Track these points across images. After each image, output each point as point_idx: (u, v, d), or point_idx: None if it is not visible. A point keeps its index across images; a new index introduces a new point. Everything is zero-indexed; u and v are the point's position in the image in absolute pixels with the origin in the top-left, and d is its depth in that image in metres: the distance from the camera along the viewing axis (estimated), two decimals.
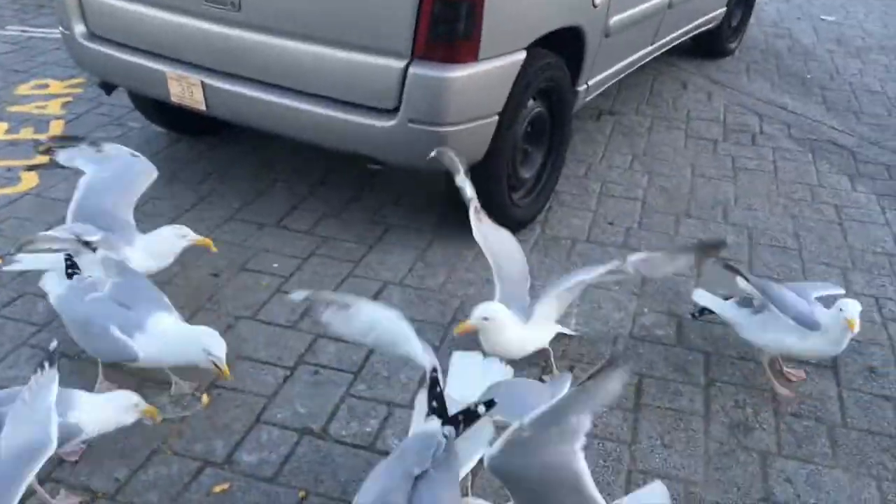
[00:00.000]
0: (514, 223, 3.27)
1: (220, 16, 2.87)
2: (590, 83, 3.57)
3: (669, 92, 5.03)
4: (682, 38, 4.74)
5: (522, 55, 2.81)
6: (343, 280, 2.97)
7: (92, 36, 3.29)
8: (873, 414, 2.48)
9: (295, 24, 2.75)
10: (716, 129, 4.52)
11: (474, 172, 2.92)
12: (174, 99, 3.14)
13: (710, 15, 4.97)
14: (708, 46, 5.49)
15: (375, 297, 2.88)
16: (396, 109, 2.67)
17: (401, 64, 2.60)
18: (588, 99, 3.70)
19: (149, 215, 3.28)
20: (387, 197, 3.57)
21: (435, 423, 1.69)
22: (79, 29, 3.29)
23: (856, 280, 3.16)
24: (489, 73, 2.68)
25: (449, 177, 3.03)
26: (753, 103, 4.92)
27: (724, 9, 5.17)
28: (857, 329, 2.29)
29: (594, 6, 3.19)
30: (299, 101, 2.84)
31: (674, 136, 4.40)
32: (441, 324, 2.77)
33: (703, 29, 4.99)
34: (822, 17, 6.95)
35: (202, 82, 2.99)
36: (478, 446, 1.77)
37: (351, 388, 2.45)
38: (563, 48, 3.14)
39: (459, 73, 2.59)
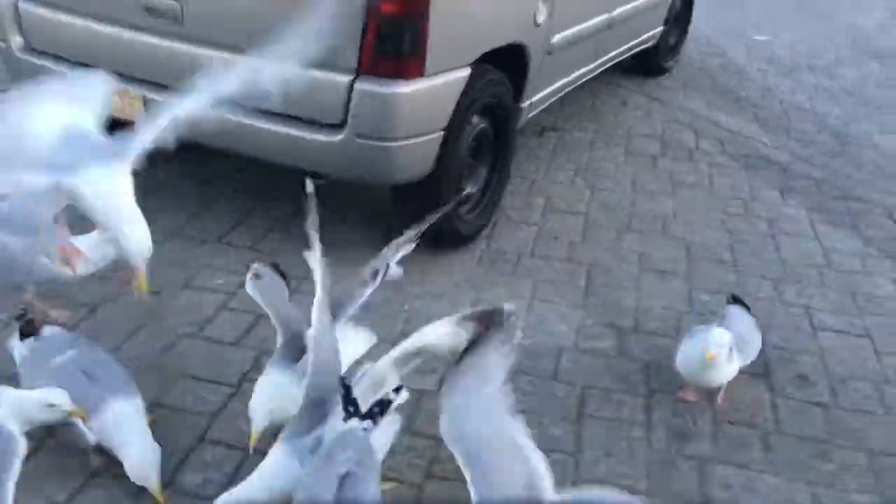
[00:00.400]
0: (460, 237, 3.33)
1: (162, 29, 2.85)
2: (533, 100, 3.65)
3: (610, 108, 5.16)
4: (622, 56, 4.87)
5: (467, 71, 2.86)
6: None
7: (30, 49, 3.22)
8: (805, 420, 2.58)
9: (239, 37, 2.74)
10: (654, 145, 4.66)
11: (421, 187, 2.96)
12: (115, 114, 3.08)
13: (649, 34, 5.13)
14: (646, 64, 5.65)
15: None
16: (343, 124, 2.68)
17: (347, 79, 2.62)
18: (531, 115, 3.78)
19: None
20: (331, 211, 3.56)
21: (353, 422, 1.81)
22: (16, 41, 3.22)
23: (787, 291, 3.29)
24: (435, 88, 2.72)
25: (395, 191, 3.07)
26: (690, 120, 5.08)
27: (662, 28, 5.34)
28: (715, 360, 2.39)
29: (537, 25, 3.27)
30: (245, 117, 2.82)
31: (614, 152, 4.52)
32: (388, 340, 2.78)
33: (642, 47, 5.14)
34: (755, 37, 7.22)
35: (143, 97, 2.95)
36: (389, 433, 1.93)
37: None
38: (506, 65, 3.21)
39: (406, 88, 2.62)
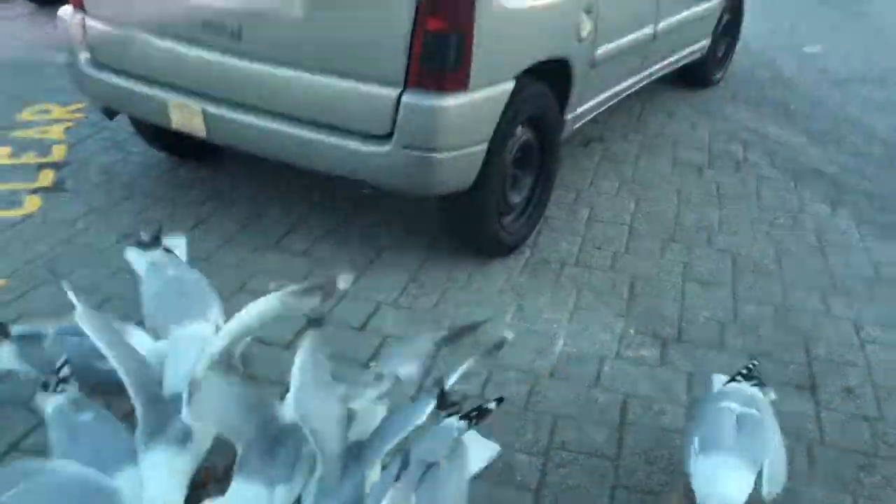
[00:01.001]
0: (503, 247, 3.38)
1: (221, 45, 2.98)
2: (577, 112, 3.69)
3: (657, 120, 5.16)
4: (668, 69, 4.88)
5: (511, 84, 2.93)
6: (338, 301, 3.04)
7: (96, 64, 3.39)
8: (850, 433, 2.56)
9: (293, 53, 2.86)
10: (701, 156, 4.65)
11: (465, 197, 3.03)
12: (175, 126, 3.24)
13: (695, 46, 5.12)
14: (694, 76, 5.64)
15: (369, 318, 2.96)
16: (390, 136, 2.77)
17: (394, 92, 2.71)
18: (576, 127, 3.82)
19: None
20: (380, 219, 3.66)
21: (450, 420, 1.84)
22: (84, 56, 3.40)
23: (835, 303, 3.26)
24: (479, 101, 2.79)
25: (440, 201, 3.15)
26: (738, 132, 5.06)
27: (709, 40, 5.33)
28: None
29: (580, 39, 3.32)
30: (297, 128, 2.94)
31: (660, 163, 4.52)
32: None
33: (688, 60, 5.14)
34: (806, 48, 7.13)
35: (203, 110, 3.09)
36: (485, 456, 1.93)
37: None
38: (550, 78, 3.27)
39: (450, 101, 2.70)
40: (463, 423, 1.84)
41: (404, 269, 3.30)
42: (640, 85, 4.53)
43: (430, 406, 1.88)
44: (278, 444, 1.87)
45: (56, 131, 4.39)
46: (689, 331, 3.02)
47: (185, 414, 1.78)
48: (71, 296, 2.08)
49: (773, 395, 2.18)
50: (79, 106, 4.67)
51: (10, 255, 3.18)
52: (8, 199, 3.63)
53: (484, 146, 2.93)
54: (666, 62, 4.72)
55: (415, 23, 2.61)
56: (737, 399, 2.01)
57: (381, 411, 2.09)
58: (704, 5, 4.94)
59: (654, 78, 4.69)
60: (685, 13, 4.64)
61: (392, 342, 2.82)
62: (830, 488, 2.33)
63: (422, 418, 1.84)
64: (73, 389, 2.00)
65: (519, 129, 3.19)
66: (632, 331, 3.00)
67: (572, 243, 3.59)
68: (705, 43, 5.28)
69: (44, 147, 4.18)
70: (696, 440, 1.88)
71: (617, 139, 4.79)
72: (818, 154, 4.81)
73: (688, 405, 2.62)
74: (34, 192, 3.71)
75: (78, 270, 3.12)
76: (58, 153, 4.13)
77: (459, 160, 2.85)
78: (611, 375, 2.75)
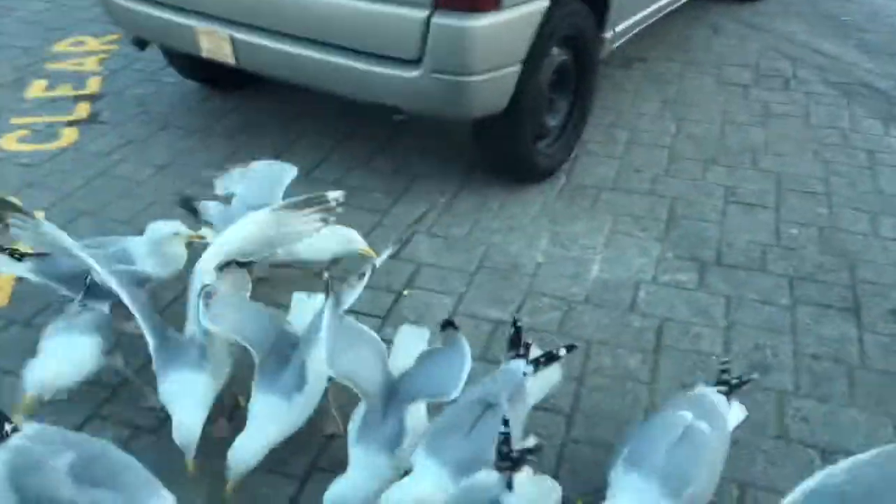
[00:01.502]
0: (539, 172, 3.32)
1: None
2: (616, 30, 3.55)
3: (701, 37, 4.95)
4: None
5: (546, 2, 2.81)
6: (372, 229, 3.04)
7: None
8: (892, 356, 2.50)
9: None
10: (747, 74, 4.45)
11: (499, 121, 2.96)
12: (204, 53, 3.21)
13: None
14: None
15: (403, 246, 2.95)
16: (420, 59, 2.70)
17: (423, 14, 2.62)
18: (615, 46, 3.67)
19: (183, 168, 3.40)
20: (413, 147, 3.62)
21: (516, 362, 1.91)
22: None
23: (883, 224, 3.15)
24: (512, 21, 2.69)
25: (475, 126, 3.08)
26: (787, 47, 4.82)
27: None
28: None
29: None
30: (325, 54, 2.88)
31: (704, 82, 4.35)
32: (467, 271, 2.84)
33: None
34: None
35: (231, 36, 3.04)
36: (549, 382, 1.99)
37: (380, 333, 2.53)
38: None
39: (482, 21, 2.61)
40: (530, 367, 1.90)
41: (437, 198, 3.27)
42: (684, 0, 4.33)
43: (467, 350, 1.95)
44: (292, 353, 1.93)
45: (91, 63, 4.40)
46: (729, 254, 2.95)
47: (203, 320, 1.83)
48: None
49: (741, 415, 1.98)
50: (113, 37, 4.66)
51: (48, 188, 3.24)
52: (45, 131, 3.67)
53: (517, 67, 2.84)
54: None
55: None
56: (694, 408, 1.82)
57: (420, 336, 2.12)
58: None
59: None
60: None
61: (425, 269, 2.82)
62: (871, 412, 2.29)
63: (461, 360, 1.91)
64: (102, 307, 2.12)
65: (555, 50, 3.09)
66: (670, 255, 2.94)
67: (610, 167, 3.51)
68: None
69: (79, 79, 4.20)
70: (626, 450, 1.72)
71: (660, 58, 4.61)
72: (872, 68, 4.57)
73: (725, 328, 2.58)
74: (70, 124, 3.74)
75: (115, 202, 3.16)
76: (93, 85, 4.14)
77: (492, 83, 2.77)
78: (647, 300, 2.71)
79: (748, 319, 2.63)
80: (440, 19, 2.61)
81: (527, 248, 2.98)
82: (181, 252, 2.40)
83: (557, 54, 3.12)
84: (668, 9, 4.15)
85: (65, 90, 4.08)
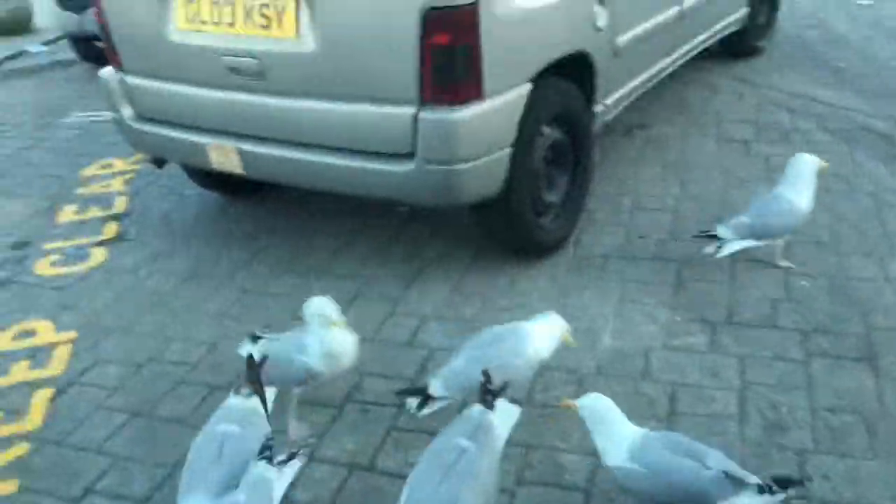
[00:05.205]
0: (544, 246, 3.39)
1: (246, 86, 3.10)
2: (607, 102, 3.66)
3: (699, 97, 5.05)
4: (704, 45, 4.77)
5: (528, 87, 2.94)
6: (386, 318, 3.12)
7: (139, 117, 3.58)
8: None
9: (312, 85, 2.95)
10: (747, 130, 4.53)
11: (498, 202, 3.06)
12: (215, 166, 3.40)
13: (731, 18, 4.99)
14: (736, 46, 5.49)
15: (415, 333, 3.02)
16: (412, 154, 2.83)
17: (411, 111, 2.77)
18: (609, 117, 3.78)
19: (208, 276, 3.54)
20: (423, 233, 3.73)
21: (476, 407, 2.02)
22: (127, 112, 3.60)
23: (893, 267, 3.13)
24: (496, 108, 2.82)
25: (473, 209, 3.17)
26: (785, 99, 4.90)
27: (747, 9, 5.18)
28: None
29: (597, 29, 3.30)
30: (325, 156, 3.03)
31: (705, 141, 4.43)
32: None
33: (725, 32, 5.01)
34: (858, 1, 6.82)
35: (237, 148, 3.22)
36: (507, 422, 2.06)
37: (396, 420, 2.58)
38: (572, 73, 3.25)
39: (466, 112, 2.73)
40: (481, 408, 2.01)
41: (448, 281, 3.35)
42: (676, 65, 4.45)
43: None
44: None
45: (117, 184, 4.65)
46: (739, 312, 2.96)
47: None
48: None
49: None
50: (138, 157, 4.91)
51: (79, 308, 3.39)
52: (75, 254, 3.86)
53: (508, 151, 2.95)
54: (699, 39, 4.63)
55: (421, 40, 2.66)
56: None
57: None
58: None
59: (689, 56, 4.60)
60: None
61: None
62: (894, 463, 2.24)
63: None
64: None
65: (545, 129, 3.20)
66: (679, 318, 2.96)
67: (615, 235, 3.57)
68: (743, 12, 5.14)
69: (107, 200, 4.43)
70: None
71: (659, 123, 4.72)
72: (870, 111, 4.62)
73: (739, 389, 2.57)
74: (99, 244, 3.94)
75: (144, 316, 3.29)
76: (120, 205, 4.37)
77: (484, 168, 2.88)
78: (659, 367, 2.72)
79: (762, 378, 2.62)
80: (427, 114, 2.75)
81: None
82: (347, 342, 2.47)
83: (549, 133, 3.23)
84: (661, 76, 4.27)
85: (94, 212, 4.30)
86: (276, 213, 4.08)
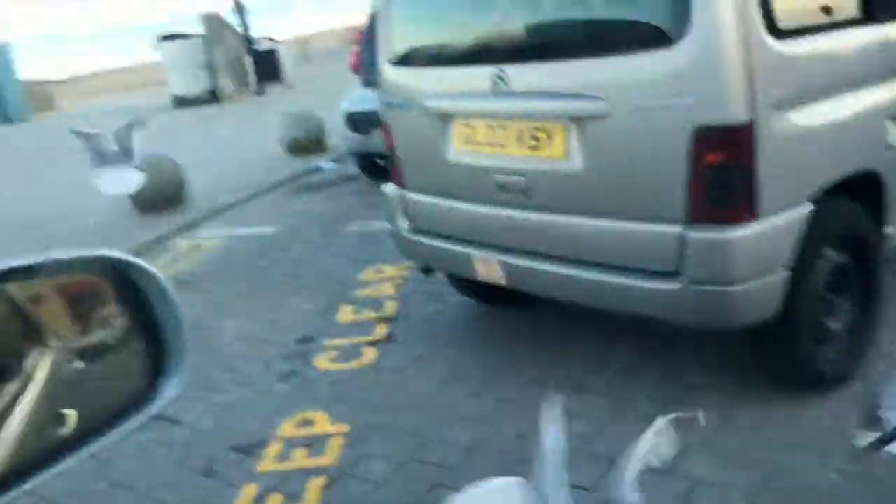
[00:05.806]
0: (826, 379, 3.08)
1: (513, 203, 3.26)
2: None
3: None
4: None
5: (808, 207, 2.76)
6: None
7: (414, 230, 3.90)
8: None
9: (577, 202, 3.03)
10: None
11: (773, 327, 2.85)
12: (480, 277, 3.57)
13: None
14: None
15: (676, 460, 2.83)
16: (677, 272, 2.75)
17: (677, 229, 2.71)
18: None
19: (465, 381, 3.66)
20: (683, 355, 3.56)
21: None
22: (404, 225, 3.94)
23: None
24: (772, 229, 2.67)
25: (746, 334, 2.99)
26: None
27: None
28: None
29: (889, 147, 3.03)
30: (588, 271, 3.06)
31: None
32: (748, 490, 2.64)
33: None
34: None
35: (502, 261, 3.37)
36: None
37: None
38: (860, 192, 3.01)
39: (739, 233, 2.62)
40: None
41: (713, 408, 3.13)
42: None
43: None
44: None
45: (388, 288, 5.05)
46: None
47: None
48: None
49: None
50: (407, 264, 5.32)
51: (351, 402, 3.67)
52: (350, 352, 4.22)
53: (785, 273, 2.76)
54: None
55: (692, 159, 2.63)
56: None
57: None
58: None
59: None
60: None
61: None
62: None
63: None
64: None
65: (828, 252, 2.96)
66: None
67: None
68: None
69: (378, 303, 4.82)
70: None
71: None
72: None
73: None
74: (371, 344, 4.27)
75: (404, 414, 3.47)
76: (389, 308, 4.72)
77: (757, 291, 2.72)
78: None
79: None
80: (695, 233, 2.68)
81: (818, 466, 2.71)
82: None
83: (832, 256, 2.98)
84: None
85: (367, 314, 4.69)
86: (531, 322, 4.15)
